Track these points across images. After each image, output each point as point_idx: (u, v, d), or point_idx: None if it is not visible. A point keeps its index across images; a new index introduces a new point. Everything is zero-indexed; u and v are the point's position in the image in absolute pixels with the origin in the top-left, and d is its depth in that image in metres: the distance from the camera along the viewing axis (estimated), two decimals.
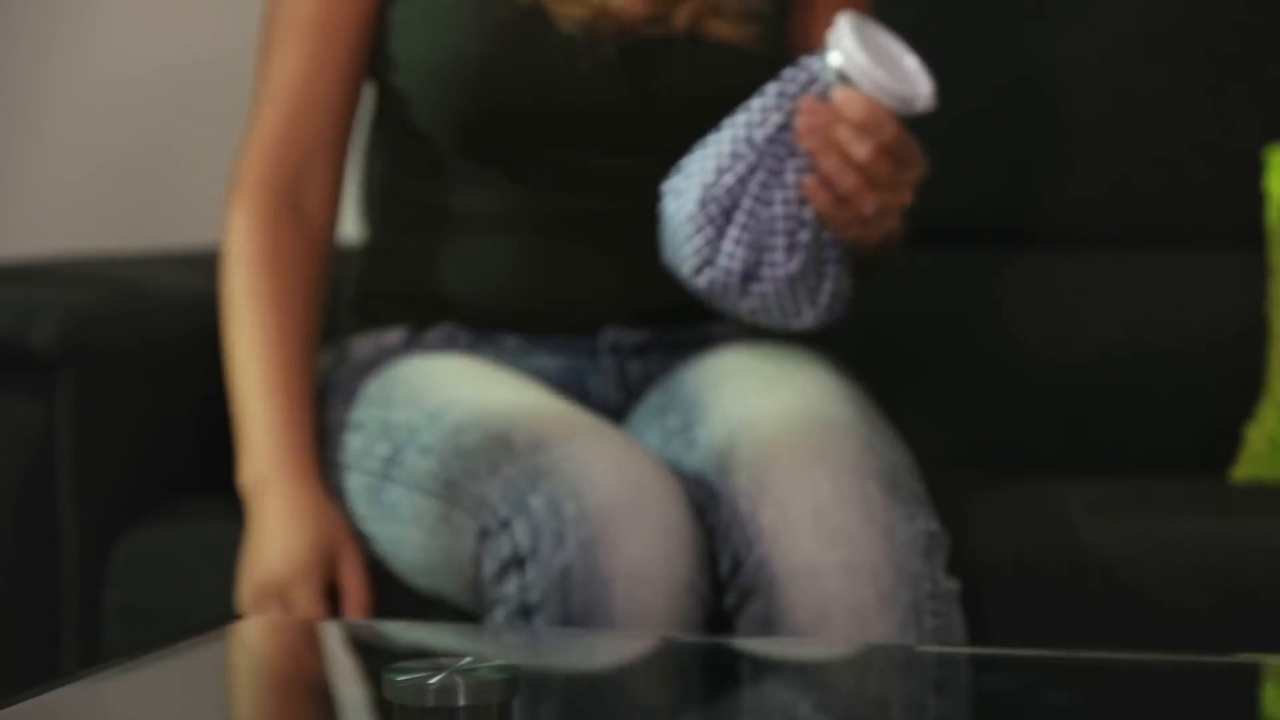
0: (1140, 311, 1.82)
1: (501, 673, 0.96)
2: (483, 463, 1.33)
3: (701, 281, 1.35)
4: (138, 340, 1.60)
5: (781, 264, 1.33)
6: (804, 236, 1.33)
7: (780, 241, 1.33)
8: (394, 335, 1.53)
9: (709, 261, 1.34)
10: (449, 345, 1.51)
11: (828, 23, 1.35)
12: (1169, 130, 1.85)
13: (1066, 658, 1.11)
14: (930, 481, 1.36)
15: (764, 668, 1.09)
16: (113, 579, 1.52)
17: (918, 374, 1.84)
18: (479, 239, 1.52)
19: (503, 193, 1.51)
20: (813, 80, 1.32)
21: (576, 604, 1.27)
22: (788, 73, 1.33)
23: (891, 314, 1.87)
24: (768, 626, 1.29)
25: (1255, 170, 1.79)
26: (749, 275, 1.34)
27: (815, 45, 1.41)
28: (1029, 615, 1.42)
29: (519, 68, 1.46)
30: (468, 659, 0.98)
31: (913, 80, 1.31)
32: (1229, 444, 1.71)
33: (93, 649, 1.52)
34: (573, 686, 1.11)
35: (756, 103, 1.33)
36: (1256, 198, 1.79)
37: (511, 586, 1.30)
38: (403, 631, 1.27)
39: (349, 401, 1.48)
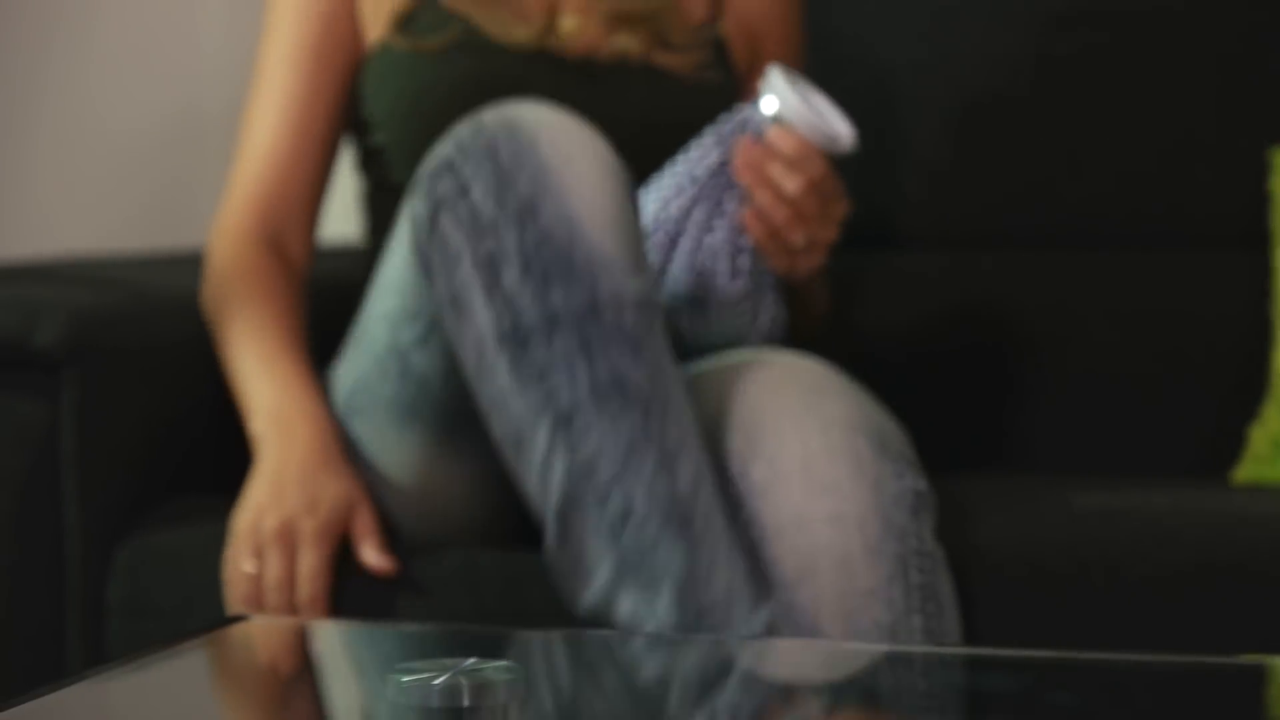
0: (1144, 312, 1.82)
1: (507, 673, 0.96)
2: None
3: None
4: (143, 341, 1.60)
5: (725, 287, 1.45)
6: (744, 262, 1.45)
7: (723, 266, 1.44)
8: None
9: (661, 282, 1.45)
10: None
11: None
12: (1173, 131, 1.85)
13: (1069, 658, 1.11)
14: (933, 482, 1.36)
15: (766, 667, 1.09)
16: (117, 578, 1.52)
17: (920, 374, 1.84)
18: None
19: None
20: (747, 123, 1.44)
21: (505, 158, 1.32)
22: (724, 117, 1.47)
23: (896, 315, 1.88)
24: None
25: (1260, 171, 1.79)
26: (695, 299, 1.45)
27: None
28: (1031, 615, 1.42)
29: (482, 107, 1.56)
30: (473, 660, 0.98)
31: (836, 124, 1.44)
32: (1232, 445, 1.71)
33: (97, 648, 1.53)
34: (578, 687, 1.11)
35: (696, 144, 1.46)
36: (1261, 199, 1.79)
37: (445, 184, 1.34)
38: (407, 632, 1.28)
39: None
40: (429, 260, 1.37)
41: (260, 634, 1.28)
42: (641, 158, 1.50)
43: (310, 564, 1.41)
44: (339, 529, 1.43)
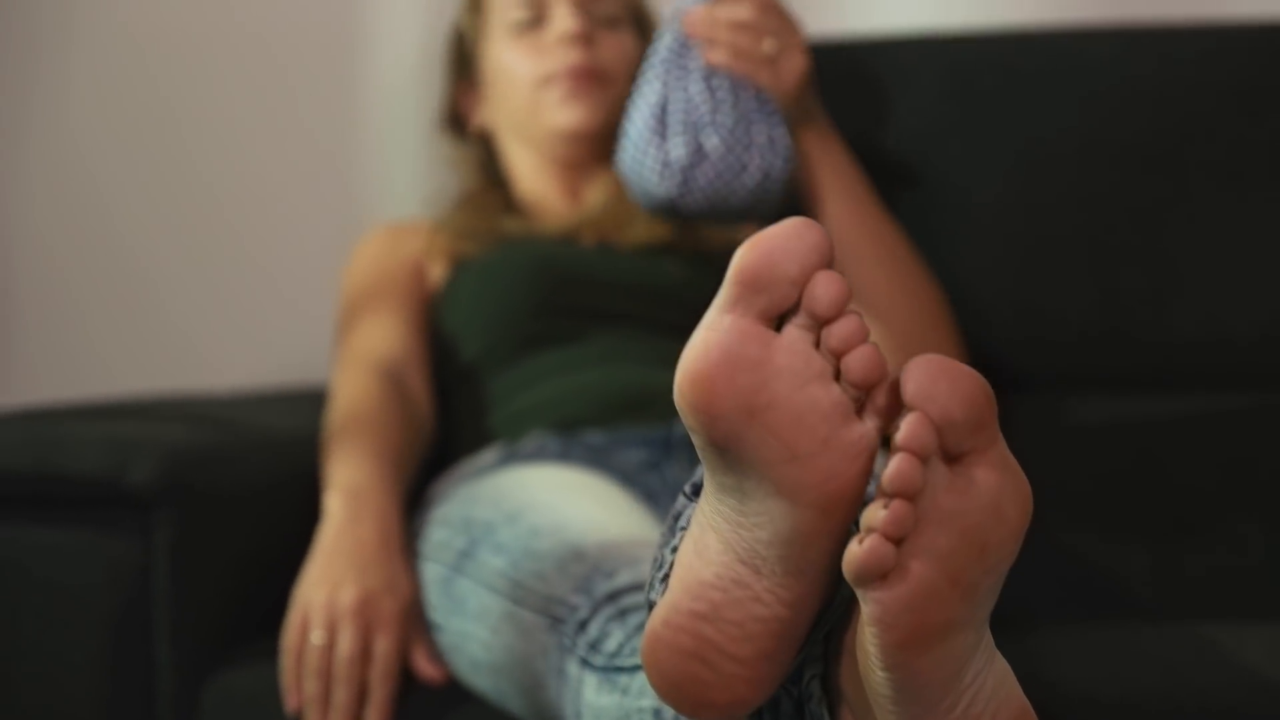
0: (1235, 456, 1.81)
1: None
2: (551, 565, 1.36)
3: (667, 186, 1.60)
4: (235, 480, 1.61)
5: (709, 120, 1.59)
6: (722, 94, 1.60)
7: (704, 108, 1.60)
8: (490, 455, 1.63)
9: (665, 162, 1.60)
10: (540, 455, 1.60)
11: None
12: (1263, 271, 1.84)
13: None
14: (1019, 629, 1.35)
15: None
16: (206, 717, 1.52)
17: None
18: (551, 380, 1.68)
19: (563, 353, 1.70)
20: (681, 11, 1.63)
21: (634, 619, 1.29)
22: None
23: None
24: None
25: None
26: (697, 148, 1.59)
27: None
28: None
29: (548, 293, 1.73)
30: None
31: None
32: None
33: None
34: None
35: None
36: None
37: (580, 643, 1.30)
38: None
39: (441, 503, 1.56)
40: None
41: None
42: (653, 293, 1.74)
43: (389, 643, 1.43)
44: (410, 616, 1.46)
